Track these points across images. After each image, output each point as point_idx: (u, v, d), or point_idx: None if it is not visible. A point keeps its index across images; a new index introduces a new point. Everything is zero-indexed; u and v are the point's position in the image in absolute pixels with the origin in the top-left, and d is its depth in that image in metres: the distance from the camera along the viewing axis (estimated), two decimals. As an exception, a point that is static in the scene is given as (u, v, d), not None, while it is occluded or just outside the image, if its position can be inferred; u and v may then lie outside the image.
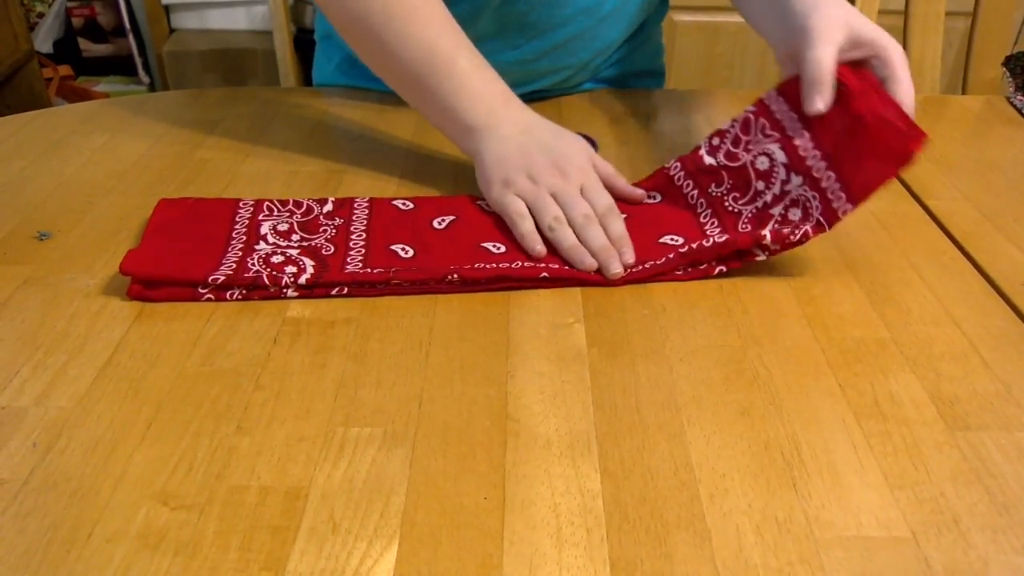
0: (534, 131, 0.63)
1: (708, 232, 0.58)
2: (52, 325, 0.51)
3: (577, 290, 0.55)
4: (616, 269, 0.55)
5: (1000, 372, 0.48)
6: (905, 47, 1.01)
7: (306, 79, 1.02)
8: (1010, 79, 1.00)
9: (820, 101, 0.55)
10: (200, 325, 0.51)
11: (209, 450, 0.42)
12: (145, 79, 2.22)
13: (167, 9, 2.09)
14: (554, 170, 0.60)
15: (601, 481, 0.40)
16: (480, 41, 0.77)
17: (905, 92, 0.56)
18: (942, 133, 0.80)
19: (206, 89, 0.87)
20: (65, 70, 2.19)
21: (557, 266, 0.55)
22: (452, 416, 0.44)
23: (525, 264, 0.55)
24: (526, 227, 0.58)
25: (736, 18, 0.79)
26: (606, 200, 0.60)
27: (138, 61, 2.19)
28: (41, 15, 2.17)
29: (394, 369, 0.47)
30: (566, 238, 0.57)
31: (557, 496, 0.40)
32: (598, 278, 0.55)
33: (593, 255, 0.56)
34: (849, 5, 0.59)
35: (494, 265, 0.55)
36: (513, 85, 0.65)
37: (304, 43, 1.03)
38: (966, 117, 0.84)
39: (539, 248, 0.57)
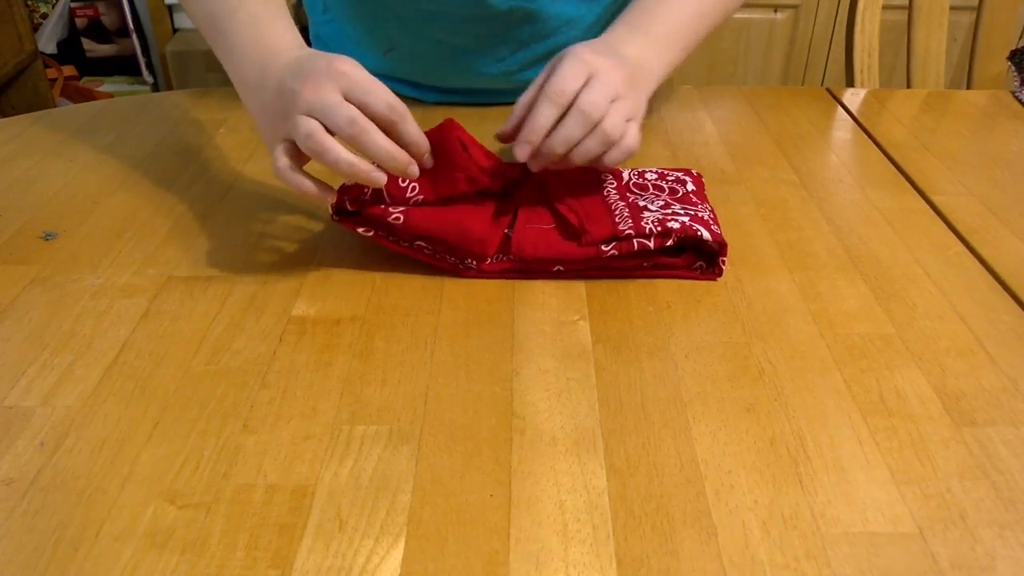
0: (284, 75, 0.52)
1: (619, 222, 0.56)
2: (58, 325, 0.51)
3: (582, 287, 0.55)
4: (414, 171, 0.51)
5: (1006, 367, 0.48)
6: (909, 42, 1.01)
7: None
8: (1015, 74, 1.00)
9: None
10: (206, 324, 0.51)
11: (216, 449, 0.42)
12: (149, 79, 2.22)
13: (170, 9, 2.09)
14: (300, 97, 0.50)
15: (607, 478, 0.40)
16: (464, 53, 0.77)
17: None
18: (947, 128, 0.80)
19: (210, 88, 0.88)
20: (69, 70, 2.20)
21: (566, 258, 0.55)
22: (458, 414, 0.44)
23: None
24: (305, 187, 0.52)
25: (739, 14, 0.79)
26: (379, 95, 0.49)
27: (142, 61, 2.19)
28: (45, 16, 2.18)
29: (399, 367, 0.48)
30: (328, 151, 0.49)
31: (563, 493, 0.40)
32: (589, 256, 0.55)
33: (380, 165, 0.50)
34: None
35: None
36: (499, 94, 0.63)
37: (306, 42, 1.03)
38: (971, 112, 0.84)
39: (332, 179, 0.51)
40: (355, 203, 0.54)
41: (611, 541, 0.37)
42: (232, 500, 0.39)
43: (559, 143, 0.54)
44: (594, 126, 0.54)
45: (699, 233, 0.54)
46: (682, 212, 0.57)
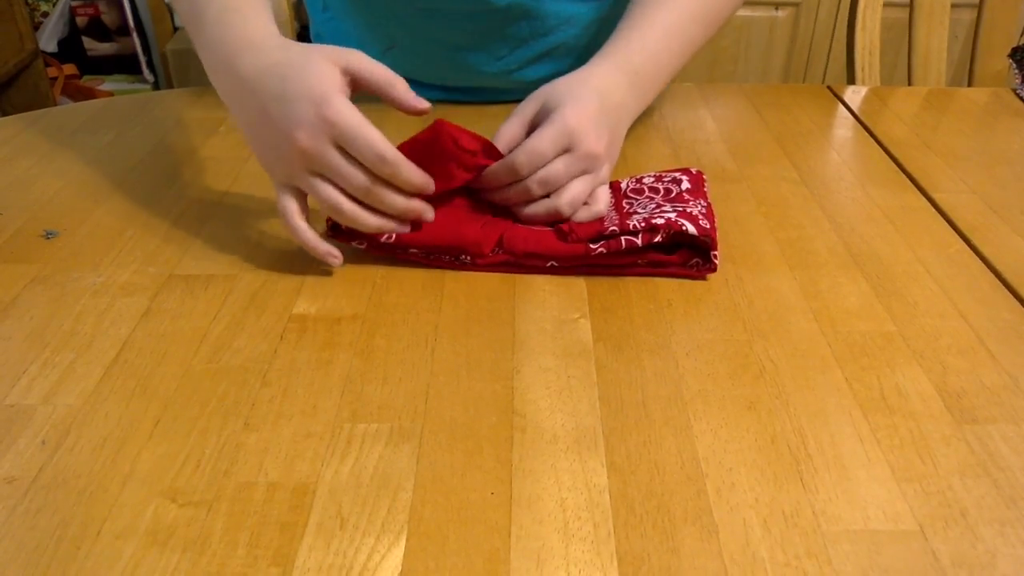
0: (266, 98, 0.51)
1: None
2: (59, 323, 0.51)
3: (583, 286, 0.55)
4: (429, 215, 0.54)
5: (1007, 365, 0.48)
6: (910, 39, 1.01)
7: (310, 76, 1.02)
8: (1016, 71, 1.00)
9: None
10: (207, 322, 0.51)
11: (217, 447, 0.42)
12: (149, 77, 2.22)
13: (171, 8, 2.09)
14: (296, 148, 0.50)
15: (608, 476, 0.40)
16: (463, 52, 0.76)
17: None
18: (948, 126, 0.80)
19: (210, 87, 0.88)
20: (70, 69, 2.20)
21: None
22: (459, 412, 0.44)
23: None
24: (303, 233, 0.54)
25: (740, 12, 0.79)
26: (368, 146, 0.50)
27: (142, 59, 2.19)
28: (46, 15, 2.18)
29: (400, 365, 0.48)
30: (356, 221, 0.52)
31: (564, 491, 0.40)
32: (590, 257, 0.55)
33: (401, 218, 0.53)
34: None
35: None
36: (498, 93, 0.63)
37: (308, 41, 1.03)
38: (972, 110, 0.84)
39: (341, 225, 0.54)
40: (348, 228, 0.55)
41: (612, 539, 0.37)
42: (233, 498, 0.39)
43: (514, 195, 0.56)
44: (551, 192, 0.56)
45: (684, 227, 0.54)
46: (670, 210, 0.57)
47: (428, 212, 0.54)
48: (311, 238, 0.54)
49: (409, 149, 0.53)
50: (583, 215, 0.57)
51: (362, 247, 0.56)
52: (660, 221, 0.54)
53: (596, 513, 0.38)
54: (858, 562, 0.36)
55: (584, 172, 0.56)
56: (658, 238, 0.54)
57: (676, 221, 0.54)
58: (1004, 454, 0.42)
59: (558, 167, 0.55)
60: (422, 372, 0.47)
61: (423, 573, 0.36)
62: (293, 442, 0.42)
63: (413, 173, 0.52)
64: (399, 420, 0.44)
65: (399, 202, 0.52)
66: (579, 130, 0.55)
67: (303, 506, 0.39)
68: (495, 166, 0.55)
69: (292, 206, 0.53)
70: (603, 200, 0.57)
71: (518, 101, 0.59)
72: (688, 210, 0.56)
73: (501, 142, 0.56)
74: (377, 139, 0.50)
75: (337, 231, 0.56)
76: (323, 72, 0.50)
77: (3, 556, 0.36)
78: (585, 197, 0.57)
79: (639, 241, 0.54)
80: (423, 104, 0.54)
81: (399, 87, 0.53)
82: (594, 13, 0.79)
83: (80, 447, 0.42)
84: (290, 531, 0.37)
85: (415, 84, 0.84)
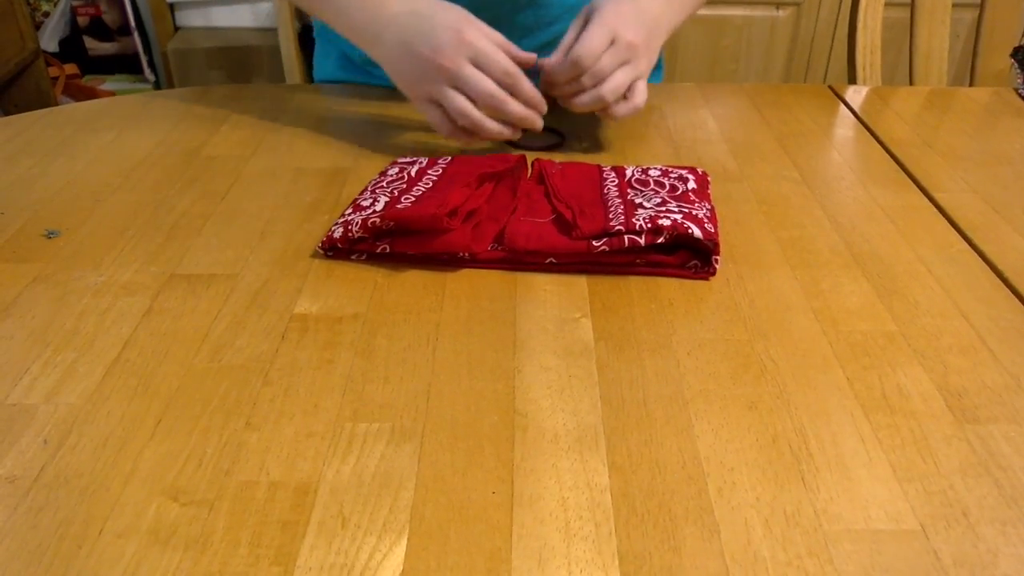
0: (407, 35, 0.65)
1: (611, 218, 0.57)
2: (61, 323, 0.51)
3: (584, 285, 0.55)
4: (539, 124, 0.65)
5: (1008, 364, 0.48)
6: (912, 39, 1.00)
7: (310, 76, 1.02)
8: (1018, 71, 1.00)
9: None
10: (208, 321, 0.51)
11: (218, 446, 0.42)
12: (150, 77, 2.22)
13: (172, 7, 2.09)
14: (437, 65, 0.63)
15: (609, 475, 0.40)
16: None
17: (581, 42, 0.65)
18: (949, 125, 0.80)
19: (211, 86, 0.88)
20: (71, 69, 2.20)
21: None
22: (460, 411, 0.44)
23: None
24: (445, 129, 0.66)
25: (741, 11, 0.79)
26: (497, 64, 0.63)
27: (143, 59, 2.19)
28: (47, 14, 2.18)
29: (401, 364, 0.48)
30: (478, 125, 0.64)
31: (565, 490, 0.40)
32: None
33: (517, 124, 0.65)
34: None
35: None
36: None
37: (309, 40, 1.03)
38: (974, 109, 0.84)
39: (475, 132, 0.65)
40: (344, 241, 0.56)
41: (613, 538, 0.37)
42: (235, 497, 0.39)
43: (568, 89, 0.66)
44: (599, 82, 0.65)
45: (690, 231, 0.54)
46: (676, 210, 0.57)
47: (538, 121, 0.65)
48: (479, 118, 0.64)
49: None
50: (622, 110, 0.67)
51: (361, 260, 0.57)
52: (666, 222, 0.54)
53: (597, 512, 0.38)
54: (859, 561, 0.36)
55: (625, 63, 0.65)
56: (660, 239, 0.54)
57: (682, 223, 0.54)
58: (1005, 453, 0.42)
59: (604, 59, 0.64)
60: (423, 371, 0.47)
61: (424, 572, 0.36)
62: (295, 441, 0.42)
63: (529, 87, 0.64)
64: (400, 419, 0.44)
65: (517, 109, 0.63)
66: (618, 24, 0.65)
67: (304, 505, 0.39)
68: (558, 63, 0.66)
69: (437, 114, 0.66)
70: (641, 94, 0.67)
71: None
72: (694, 212, 0.56)
73: (559, 50, 0.67)
74: (503, 58, 0.63)
75: (335, 248, 0.57)
76: (459, 9, 0.64)
77: (5, 555, 0.36)
78: (626, 87, 0.66)
79: (642, 241, 0.54)
80: (530, 56, 0.66)
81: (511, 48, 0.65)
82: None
83: (82, 446, 0.42)
84: (291, 530, 0.37)
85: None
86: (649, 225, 0.54)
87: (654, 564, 0.36)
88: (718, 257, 0.55)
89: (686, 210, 0.57)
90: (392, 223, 0.55)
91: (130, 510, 0.38)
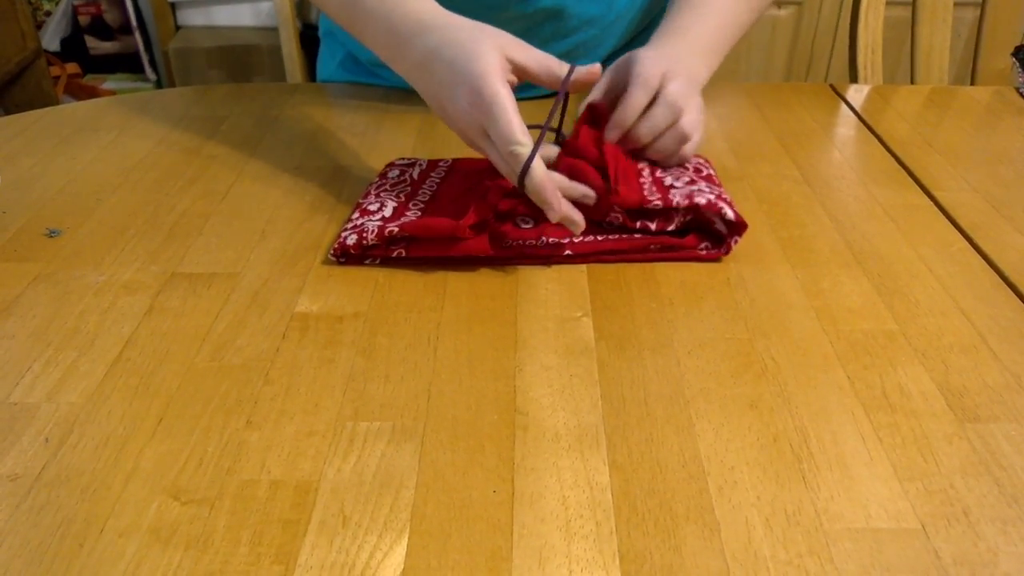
0: (432, 86, 0.57)
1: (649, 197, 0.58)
2: (62, 322, 0.51)
3: (585, 284, 0.55)
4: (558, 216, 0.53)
5: (1009, 363, 0.48)
6: (913, 38, 1.00)
7: (311, 75, 1.02)
8: (1019, 70, 1.00)
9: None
10: (209, 321, 0.51)
11: (219, 445, 0.42)
12: (152, 76, 2.22)
13: (173, 6, 2.09)
14: (457, 131, 0.56)
15: (610, 474, 0.40)
16: None
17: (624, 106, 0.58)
18: (950, 124, 0.80)
19: (212, 86, 0.88)
20: (72, 68, 2.20)
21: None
22: (461, 410, 0.44)
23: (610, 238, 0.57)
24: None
25: (742, 10, 0.78)
26: (501, 134, 0.52)
27: (144, 58, 2.20)
28: (48, 13, 2.18)
29: (402, 363, 0.48)
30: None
31: (566, 489, 0.40)
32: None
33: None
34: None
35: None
36: (518, 91, 0.65)
37: (310, 39, 1.03)
38: (975, 108, 0.84)
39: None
40: (358, 248, 0.56)
41: (614, 537, 0.37)
42: (236, 496, 0.39)
43: (645, 132, 0.59)
44: (676, 119, 0.59)
45: (723, 211, 0.55)
46: (707, 189, 0.58)
47: (577, 223, 0.54)
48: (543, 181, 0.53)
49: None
50: (689, 149, 0.61)
51: (375, 263, 0.56)
52: (702, 200, 0.56)
53: (598, 511, 0.38)
54: (860, 560, 0.36)
55: (674, 115, 0.59)
56: (672, 226, 0.56)
57: (716, 203, 0.56)
58: (1006, 452, 0.42)
59: (676, 84, 0.59)
60: (424, 370, 0.47)
61: (425, 571, 0.36)
62: (295, 440, 0.42)
63: (540, 176, 0.52)
64: (401, 418, 0.44)
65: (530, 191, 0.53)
66: (664, 62, 0.59)
67: (305, 504, 0.39)
68: (626, 96, 0.59)
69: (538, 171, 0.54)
70: (702, 132, 0.62)
71: (536, 98, 0.62)
72: (723, 195, 0.58)
73: (599, 90, 0.61)
74: (513, 129, 0.51)
75: (347, 255, 0.56)
76: (488, 60, 0.53)
77: (7, 553, 0.36)
78: (698, 118, 0.61)
79: (673, 226, 0.56)
80: (595, 69, 0.56)
81: (563, 70, 0.56)
82: (615, 14, 0.80)
83: (83, 445, 0.42)
84: (292, 529, 0.37)
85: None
86: (686, 202, 0.56)
87: (655, 563, 0.36)
88: (738, 238, 0.56)
89: (717, 192, 0.58)
90: (410, 234, 0.55)
91: (131, 509, 0.38)
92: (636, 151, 0.61)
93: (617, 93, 0.60)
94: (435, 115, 0.59)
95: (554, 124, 0.59)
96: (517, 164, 0.52)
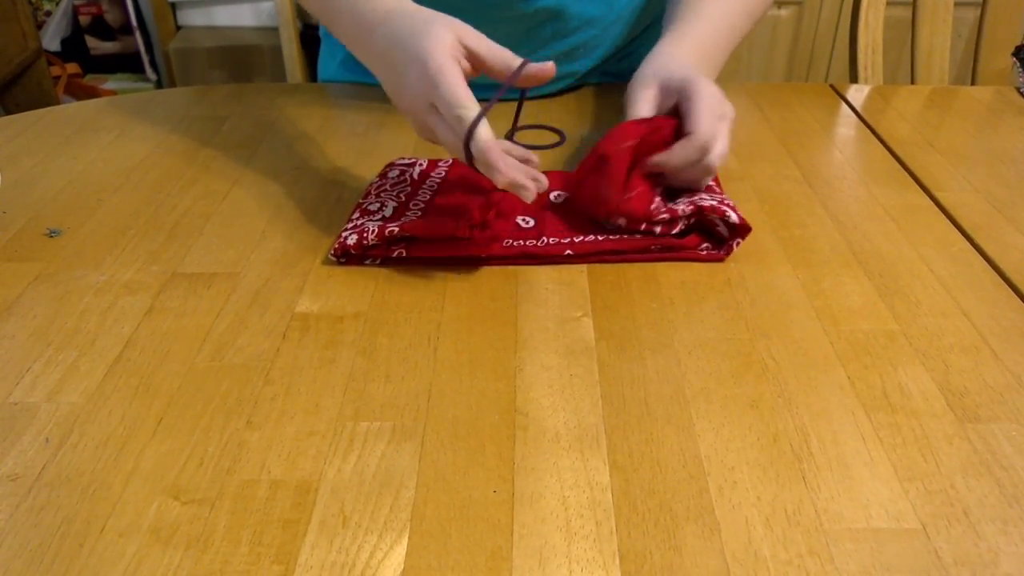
0: (386, 70, 0.58)
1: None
2: (63, 322, 0.51)
3: (585, 284, 0.55)
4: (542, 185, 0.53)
5: (1010, 364, 0.48)
6: (914, 38, 1.00)
7: (312, 75, 1.02)
8: (1020, 70, 1.00)
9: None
10: (210, 320, 0.51)
11: (219, 445, 0.42)
12: (152, 76, 2.22)
13: (173, 6, 2.09)
14: (402, 110, 0.57)
15: (610, 474, 0.40)
16: None
17: (696, 124, 0.57)
18: (951, 124, 0.79)
19: (213, 86, 0.88)
20: (73, 68, 2.20)
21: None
22: (461, 410, 0.44)
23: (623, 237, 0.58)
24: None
25: (743, 10, 0.78)
26: (446, 99, 0.52)
27: (145, 58, 2.20)
28: (49, 13, 2.18)
29: (403, 363, 0.48)
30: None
31: (566, 489, 0.40)
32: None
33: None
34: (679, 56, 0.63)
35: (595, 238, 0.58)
36: (515, 91, 0.65)
37: (310, 39, 1.03)
38: (976, 108, 0.84)
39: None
40: (359, 248, 0.56)
41: (614, 537, 0.37)
42: (236, 496, 0.39)
43: (676, 164, 0.58)
44: (707, 154, 0.58)
45: (727, 214, 0.56)
46: (708, 197, 0.58)
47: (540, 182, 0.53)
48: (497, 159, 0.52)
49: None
50: (706, 180, 0.60)
51: (376, 264, 0.56)
52: (706, 204, 0.56)
53: (598, 511, 0.38)
54: (860, 560, 0.36)
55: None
56: (678, 228, 0.57)
57: (720, 207, 0.56)
58: (1007, 453, 0.42)
59: (722, 145, 0.58)
60: (424, 371, 0.47)
61: (425, 571, 0.36)
62: (296, 440, 0.42)
63: (485, 139, 0.51)
64: (401, 418, 0.44)
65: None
66: (723, 109, 0.59)
67: (306, 504, 0.39)
68: (685, 151, 0.58)
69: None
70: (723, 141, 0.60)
71: (535, 98, 0.60)
72: (726, 200, 0.58)
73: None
74: (459, 93, 0.51)
75: (348, 255, 0.56)
76: (437, 38, 0.53)
77: (7, 553, 0.36)
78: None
79: (677, 229, 0.57)
80: (548, 67, 0.55)
81: (516, 62, 0.55)
82: (615, 15, 0.80)
83: (83, 445, 0.42)
84: (293, 529, 0.37)
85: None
86: (691, 208, 0.56)
87: (655, 563, 0.36)
88: (741, 240, 0.57)
89: (719, 198, 0.58)
90: (411, 234, 0.55)
91: (131, 509, 0.38)
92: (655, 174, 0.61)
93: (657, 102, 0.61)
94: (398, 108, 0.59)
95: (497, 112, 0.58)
96: (462, 128, 0.51)
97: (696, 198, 0.58)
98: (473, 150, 0.51)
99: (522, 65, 0.54)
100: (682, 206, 0.57)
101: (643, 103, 0.60)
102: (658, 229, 0.57)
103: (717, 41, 0.67)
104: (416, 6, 0.58)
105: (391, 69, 0.56)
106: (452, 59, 0.53)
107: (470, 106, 0.51)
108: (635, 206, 0.56)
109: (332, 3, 0.61)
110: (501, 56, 0.55)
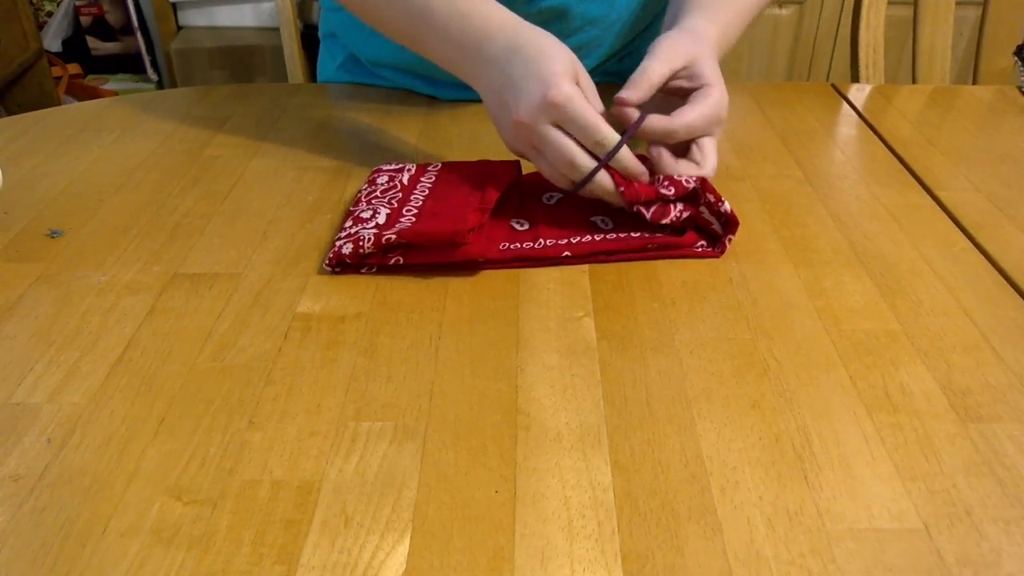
0: (499, 85, 0.59)
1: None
2: (65, 322, 0.51)
3: (587, 283, 0.55)
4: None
5: (1012, 363, 0.48)
6: (915, 37, 1.00)
7: (313, 76, 1.02)
8: (1022, 69, 0.99)
9: (625, 92, 0.58)
10: (211, 321, 0.51)
11: (221, 445, 0.42)
12: (153, 77, 2.22)
13: (175, 7, 2.09)
14: (517, 123, 0.58)
15: (612, 474, 0.40)
16: None
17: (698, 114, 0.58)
18: (953, 124, 0.79)
19: (214, 86, 0.88)
20: (74, 68, 2.20)
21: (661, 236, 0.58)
22: (463, 410, 0.44)
23: (632, 235, 0.58)
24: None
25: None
26: (583, 127, 0.55)
27: (146, 59, 2.20)
28: (50, 14, 2.18)
29: (404, 363, 0.48)
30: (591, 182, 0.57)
31: (568, 489, 0.40)
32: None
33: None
34: (708, 41, 0.63)
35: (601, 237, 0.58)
36: None
37: (311, 40, 1.03)
38: (977, 107, 0.83)
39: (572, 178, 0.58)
40: (355, 257, 0.55)
41: (616, 537, 0.37)
42: (238, 496, 0.39)
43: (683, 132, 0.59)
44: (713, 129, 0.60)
45: (722, 199, 0.56)
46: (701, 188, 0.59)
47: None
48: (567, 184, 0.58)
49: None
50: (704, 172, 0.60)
51: (372, 272, 0.56)
52: (705, 180, 0.57)
53: (600, 511, 0.38)
54: (862, 560, 0.36)
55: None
56: (671, 218, 0.57)
57: (716, 191, 0.57)
58: (1009, 452, 0.42)
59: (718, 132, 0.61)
60: (426, 371, 0.47)
61: (427, 571, 0.36)
62: (297, 440, 0.42)
63: (630, 160, 0.56)
64: (403, 418, 0.44)
65: (603, 184, 0.57)
66: (725, 95, 0.60)
67: (308, 504, 0.39)
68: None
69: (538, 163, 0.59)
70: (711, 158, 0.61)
71: None
72: (719, 197, 0.58)
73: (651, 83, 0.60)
74: (598, 126, 0.55)
75: (343, 264, 0.56)
76: (560, 58, 0.57)
77: (9, 553, 0.36)
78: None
79: (675, 215, 0.57)
80: (670, 125, 0.58)
81: (600, 106, 0.58)
82: (616, 14, 0.80)
83: (85, 445, 0.42)
84: (295, 529, 0.37)
85: (431, 81, 0.84)
86: (695, 182, 0.56)
87: (657, 563, 0.36)
88: (733, 236, 0.57)
89: (713, 194, 0.58)
90: (408, 241, 0.55)
91: (133, 509, 0.38)
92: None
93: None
94: (488, 118, 0.61)
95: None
96: (602, 151, 0.56)
97: (686, 181, 0.57)
98: (616, 167, 0.56)
99: (642, 118, 0.58)
100: (684, 179, 0.56)
101: (664, 63, 0.60)
102: (649, 214, 0.57)
103: (740, 14, 0.69)
104: (526, 22, 0.61)
105: (505, 79, 0.58)
106: (576, 87, 0.56)
107: (608, 134, 0.55)
108: (640, 188, 0.56)
109: (429, 22, 0.63)
110: (595, 94, 0.59)
